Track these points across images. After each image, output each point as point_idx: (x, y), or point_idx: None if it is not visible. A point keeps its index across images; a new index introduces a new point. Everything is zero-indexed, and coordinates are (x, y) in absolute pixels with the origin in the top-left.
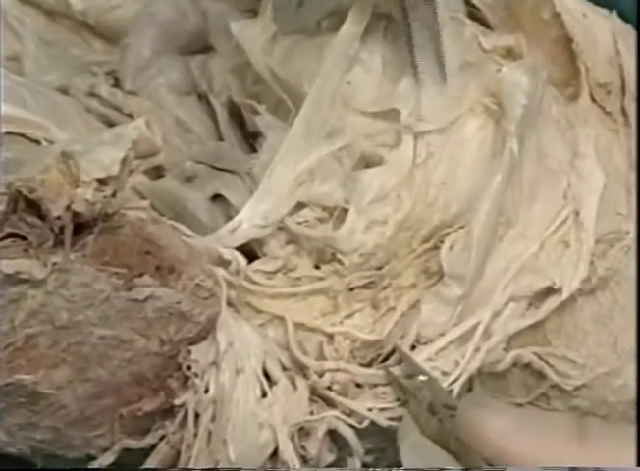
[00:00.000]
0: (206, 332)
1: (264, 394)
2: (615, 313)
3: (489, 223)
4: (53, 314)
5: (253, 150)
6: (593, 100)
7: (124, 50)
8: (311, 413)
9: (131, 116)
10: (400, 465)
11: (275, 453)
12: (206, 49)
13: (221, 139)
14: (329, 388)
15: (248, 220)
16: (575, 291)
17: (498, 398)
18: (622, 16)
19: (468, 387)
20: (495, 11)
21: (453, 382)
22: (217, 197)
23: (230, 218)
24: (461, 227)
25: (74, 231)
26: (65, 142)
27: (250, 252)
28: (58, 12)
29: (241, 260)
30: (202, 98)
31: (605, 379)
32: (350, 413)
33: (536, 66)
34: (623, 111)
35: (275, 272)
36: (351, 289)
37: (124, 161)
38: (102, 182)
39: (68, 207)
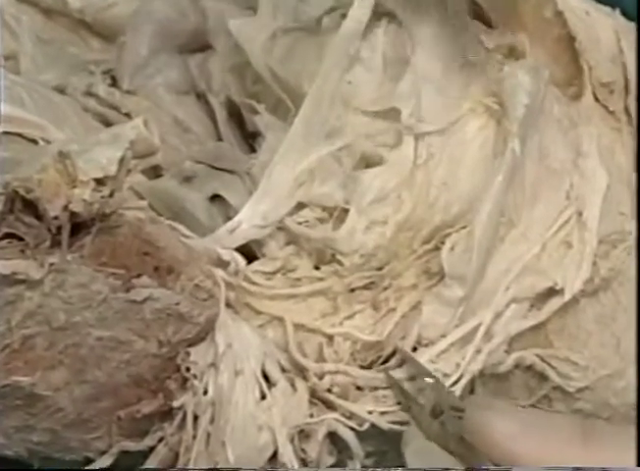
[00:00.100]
0: (205, 333)
1: (263, 396)
2: (618, 314)
3: (490, 223)
4: (50, 315)
5: (252, 150)
6: (596, 99)
7: (121, 49)
8: (311, 415)
9: (128, 115)
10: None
11: (274, 456)
12: (205, 48)
13: (220, 139)
14: (329, 390)
15: (248, 220)
16: (578, 292)
17: (502, 400)
18: (625, 14)
19: (470, 389)
20: (497, 9)
21: (455, 384)
22: (216, 197)
23: (229, 218)
24: (463, 227)
25: (71, 231)
26: (62, 142)
27: (250, 253)
28: (55, 10)
29: (241, 261)
30: (201, 97)
31: (607, 381)
32: (351, 416)
33: (538, 65)
34: (626, 110)
35: (274, 273)
36: (352, 290)
37: (121, 161)
38: (100, 181)
39: (65, 207)
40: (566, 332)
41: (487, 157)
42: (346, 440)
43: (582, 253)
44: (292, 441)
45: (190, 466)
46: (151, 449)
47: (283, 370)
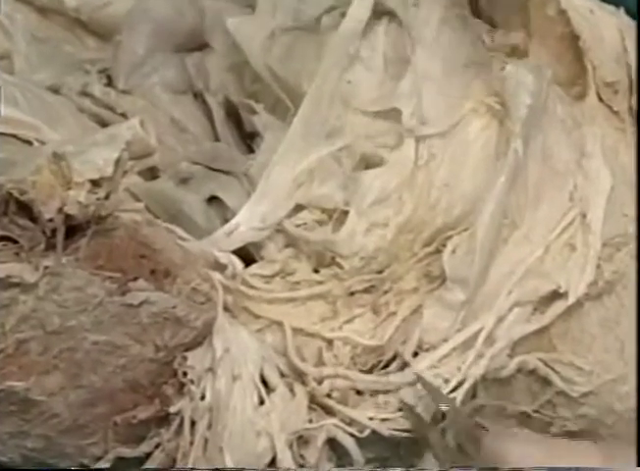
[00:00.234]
0: (202, 337)
1: (262, 402)
2: (622, 318)
3: (493, 225)
4: (45, 319)
5: (250, 151)
6: (600, 99)
7: (117, 47)
8: (310, 421)
9: (124, 115)
10: None
11: (273, 462)
12: (202, 46)
13: (217, 139)
14: (328, 395)
15: (245, 222)
16: (582, 296)
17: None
18: (629, 13)
19: (472, 393)
20: (499, 8)
21: (456, 388)
22: (213, 199)
23: (226, 220)
24: (465, 229)
25: (66, 233)
26: (57, 143)
27: (247, 256)
28: (50, 9)
29: (238, 264)
30: (198, 97)
31: (612, 386)
32: (350, 422)
33: (541, 64)
34: (631, 110)
35: (273, 276)
36: (351, 294)
37: (117, 162)
38: (95, 183)
39: (60, 209)
40: (570, 336)
41: (489, 158)
42: (346, 446)
43: (586, 256)
44: (290, 447)
45: None
46: (148, 456)
47: (281, 375)
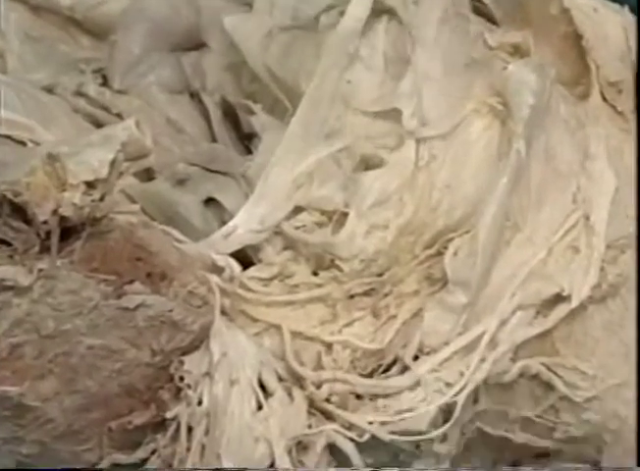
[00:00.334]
0: (199, 341)
1: (260, 407)
2: (627, 321)
3: (495, 227)
4: (39, 323)
5: (248, 152)
6: (604, 99)
7: (112, 47)
8: (309, 426)
9: (120, 116)
10: None
11: (271, 468)
12: (199, 46)
13: (214, 140)
14: (327, 400)
15: (243, 225)
16: (585, 299)
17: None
18: (633, 11)
19: (474, 398)
20: (501, 6)
21: (458, 393)
22: (210, 201)
23: (224, 222)
24: (466, 231)
25: (61, 236)
26: (51, 144)
27: (245, 258)
28: (44, 7)
29: (236, 267)
30: (195, 97)
31: (616, 390)
32: (350, 426)
33: (544, 63)
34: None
35: (271, 279)
36: (351, 297)
37: (113, 163)
38: (90, 185)
39: (54, 211)
40: (573, 339)
41: (491, 158)
42: (346, 451)
43: (589, 258)
44: (289, 452)
45: None
46: (144, 462)
47: (280, 379)
